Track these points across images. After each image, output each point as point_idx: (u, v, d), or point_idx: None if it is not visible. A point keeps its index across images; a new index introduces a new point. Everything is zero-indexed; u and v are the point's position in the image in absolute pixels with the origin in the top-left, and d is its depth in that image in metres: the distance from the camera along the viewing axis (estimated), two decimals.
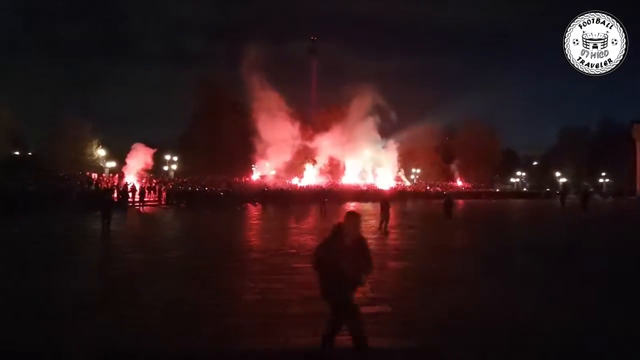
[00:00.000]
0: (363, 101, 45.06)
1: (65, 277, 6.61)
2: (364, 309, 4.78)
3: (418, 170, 55.69)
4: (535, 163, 67.01)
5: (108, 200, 13.00)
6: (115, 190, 28.50)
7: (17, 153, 37.92)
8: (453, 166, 57.38)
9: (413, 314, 4.72)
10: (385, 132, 47.87)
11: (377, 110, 45.53)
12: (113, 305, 5.01)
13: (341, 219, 3.41)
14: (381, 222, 12.93)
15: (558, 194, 41.19)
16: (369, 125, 45.72)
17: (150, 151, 35.45)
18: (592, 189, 49.62)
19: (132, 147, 35.07)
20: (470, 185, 54.31)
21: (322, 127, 46.25)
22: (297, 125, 44.76)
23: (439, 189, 47.60)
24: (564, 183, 56.71)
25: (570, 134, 59.29)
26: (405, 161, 51.41)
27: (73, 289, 5.79)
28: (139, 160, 34.69)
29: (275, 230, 14.78)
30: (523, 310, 4.89)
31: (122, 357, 3.61)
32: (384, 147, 47.52)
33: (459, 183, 56.01)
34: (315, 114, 53.99)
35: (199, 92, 49.21)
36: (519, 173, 65.33)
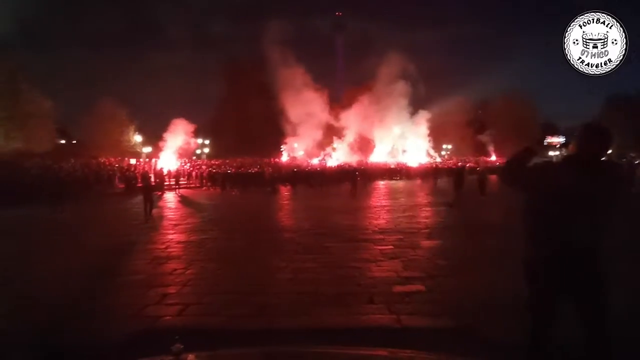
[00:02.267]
0: (391, 68, 43.62)
1: (109, 259, 7.02)
2: (397, 289, 4.79)
3: (449, 146, 54.01)
4: (564, 138, 63.25)
5: (148, 184, 13.56)
6: (152, 174, 29.73)
7: (63, 141, 40.10)
8: (485, 137, 54.96)
9: (447, 293, 4.66)
10: (415, 104, 46.48)
11: (405, 77, 44.04)
12: (155, 284, 5.27)
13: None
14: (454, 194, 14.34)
15: None
16: (398, 91, 44.19)
17: (191, 127, 36.13)
18: (638, 161, 46.41)
19: (172, 122, 35.82)
20: (505, 160, 52.20)
21: (350, 104, 45.52)
22: (325, 102, 44.30)
23: (471, 164, 46.13)
24: (609, 154, 53.34)
25: (616, 102, 55.23)
26: (436, 136, 49.93)
27: (118, 269, 6.15)
28: (178, 136, 35.56)
29: (306, 210, 14.93)
30: None
31: (165, 333, 3.81)
32: (413, 118, 46.08)
33: (493, 157, 53.92)
34: (343, 91, 53.22)
35: (226, 75, 49.60)
36: (558, 145, 61.96)
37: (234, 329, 3.76)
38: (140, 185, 16.42)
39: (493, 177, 21.70)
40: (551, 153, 62.62)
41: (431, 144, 49.21)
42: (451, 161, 46.70)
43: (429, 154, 48.55)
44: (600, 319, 2.03)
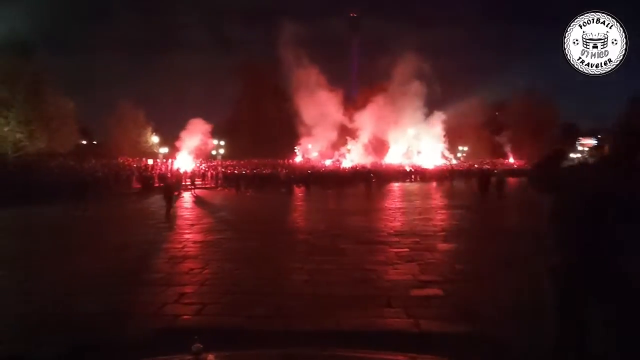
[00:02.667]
0: (405, 69, 43.21)
1: (129, 258, 7.15)
2: (415, 292, 4.73)
3: (465, 148, 53.23)
4: (599, 136, 61.60)
5: (168, 185, 13.75)
6: (169, 174, 30.23)
7: (84, 142, 41.21)
8: (502, 139, 53.92)
9: (466, 297, 4.57)
10: (430, 105, 45.95)
11: (420, 77, 43.56)
12: (172, 283, 5.33)
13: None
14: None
15: None
16: (413, 91, 43.69)
17: (208, 127, 36.52)
18: None
19: (189, 122, 36.19)
20: (523, 162, 51.12)
21: (364, 105, 45.33)
22: (339, 103, 44.23)
23: (487, 166, 45.34)
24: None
25: (639, 102, 53.46)
26: (452, 138, 49.29)
27: (137, 268, 6.26)
28: (195, 136, 35.97)
29: (321, 211, 14.92)
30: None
31: (182, 332, 3.85)
32: (428, 119, 45.53)
33: (511, 160, 52.88)
34: (357, 92, 53.08)
35: (241, 77, 50.11)
36: (580, 148, 60.41)
37: (251, 330, 3.77)
38: (159, 185, 16.80)
39: (511, 180, 21.30)
40: (572, 155, 61.12)
41: (447, 146, 48.60)
42: (475, 165, 45.98)
43: (444, 156, 47.95)
44: (628, 321, 1.96)
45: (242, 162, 40.16)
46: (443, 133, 46.71)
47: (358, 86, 55.18)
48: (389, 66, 44.40)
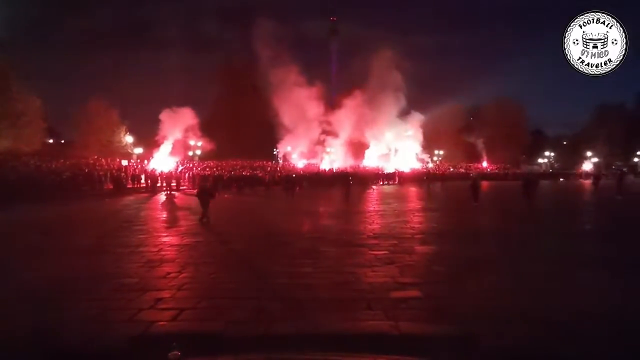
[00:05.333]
0: (382, 70, 43.41)
1: (101, 262, 6.89)
2: (394, 294, 4.78)
3: (441, 152, 54.48)
4: (564, 143, 64.35)
5: (205, 187, 12.00)
6: (145, 176, 29.41)
7: (51, 141, 39.49)
8: (480, 144, 55.46)
9: (445, 299, 4.65)
10: (408, 109, 46.61)
11: (398, 78, 43.93)
12: (148, 288, 5.18)
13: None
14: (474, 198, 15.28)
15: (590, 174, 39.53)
16: (391, 92, 43.87)
17: (194, 117, 34.65)
18: (625, 169, 47.32)
19: (171, 110, 34.43)
20: (496, 167, 52.83)
21: (343, 107, 45.46)
22: (318, 105, 44.25)
23: (462, 170, 46.53)
24: (595, 163, 54.26)
25: (605, 111, 56.25)
26: (428, 142, 50.33)
27: (110, 272, 6.04)
28: (179, 125, 34.13)
29: (301, 214, 14.88)
30: (553, 295, 4.74)
31: (159, 339, 3.73)
32: (405, 119, 46.11)
33: (485, 164, 54.53)
34: (336, 94, 53.34)
35: (219, 76, 49.41)
36: (547, 153, 62.94)
37: (230, 335, 3.70)
38: (133, 186, 15.97)
39: (485, 184, 21.92)
40: (540, 160, 63.64)
41: (424, 149, 49.58)
42: (451, 168, 46.97)
43: (421, 159, 48.88)
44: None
45: (220, 163, 39.56)
46: (420, 136, 47.57)
47: (337, 88, 55.54)
48: (367, 67, 44.80)
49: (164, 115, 35.04)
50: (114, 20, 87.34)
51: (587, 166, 48.36)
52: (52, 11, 71.43)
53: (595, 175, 28.00)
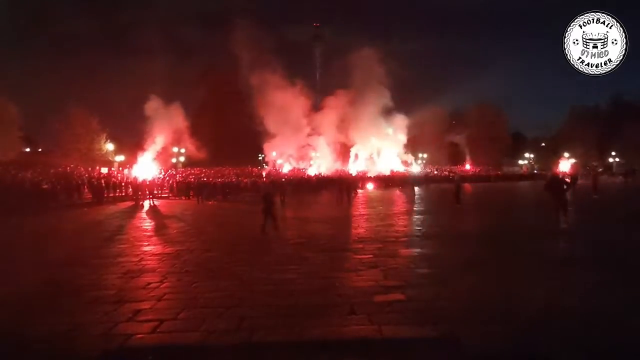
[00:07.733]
0: (365, 72, 43.55)
1: (77, 274, 6.67)
2: (378, 298, 4.77)
3: (425, 155, 55.17)
4: (543, 144, 66.10)
5: (269, 197, 10.99)
6: (126, 184, 28.76)
7: (28, 150, 38.31)
8: (460, 145, 56.35)
9: (428, 301, 4.67)
10: (391, 112, 46.99)
11: (381, 81, 44.28)
12: (127, 300, 5.03)
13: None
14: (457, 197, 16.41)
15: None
16: (374, 97, 43.97)
17: (182, 115, 33.85)
18: (601, 169, 48.84)
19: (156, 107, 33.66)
20: (478, 169, 53.80)
21: (327, 112, 45.53)
22: (303, 110, 44.19)
23: (446, 172, 47.18)
24: (573, 163, 55.81)
25: (580, 112, 58.07)
26: (412, 145, 50.91)
27: (87, 284, 5.84)
28: (168, 122, 33.28)
29: (286, 219, 14.77)
30: (538, 296, 4.81)
31: (136, 353, 3.61)
32: (389, 122, 46.44)
33: (467, 167, 55.46)
34: (321, 100, 53.47)
35: (203, 82, 49.00)
36: (527, 155, 64.51)
37: (211, 345, 3.62)
38: (113, 195, 15.46)
39: (467, 186, 22.24)
40: (521, 162, 65.15)
41: (407, 153, 50.11)
42: (435, 171, 47.52)
43: (404, 162, 49.36)
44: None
45: (204, 170, 39.07)
46: (404, 139, 48.05)
47: (321, 94, 55.74)
48: (351, 67, 44.94)
49: (150, 109, 34.38)
50: (92, 26, 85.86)
51: (565, 167, 49.60)
52: (30, 16, 69.65)
53: (573, 175, 28.80)
